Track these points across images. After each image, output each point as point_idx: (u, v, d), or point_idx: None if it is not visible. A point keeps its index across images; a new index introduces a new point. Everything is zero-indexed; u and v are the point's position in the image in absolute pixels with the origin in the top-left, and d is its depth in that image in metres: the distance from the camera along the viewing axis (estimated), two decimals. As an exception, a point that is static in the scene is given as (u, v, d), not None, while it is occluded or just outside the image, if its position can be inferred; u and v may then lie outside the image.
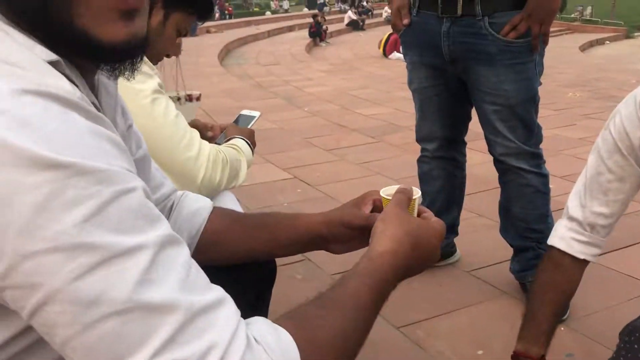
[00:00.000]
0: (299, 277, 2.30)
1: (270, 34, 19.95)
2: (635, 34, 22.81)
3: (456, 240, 2.38)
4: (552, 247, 1.29)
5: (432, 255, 0.82)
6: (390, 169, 3.73)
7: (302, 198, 3.26)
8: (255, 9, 41.08)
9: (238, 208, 1.39)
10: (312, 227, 0.96)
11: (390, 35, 13.09)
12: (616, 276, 2.24)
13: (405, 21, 2.00)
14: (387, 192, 0.93)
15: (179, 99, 2.10)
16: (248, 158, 1.48)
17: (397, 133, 4.74)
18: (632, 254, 2.38)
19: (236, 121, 1.70)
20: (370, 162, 3.94)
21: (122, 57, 0.64)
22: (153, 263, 0.54)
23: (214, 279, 0.62)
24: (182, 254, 0.58)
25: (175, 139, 1.29)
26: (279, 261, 1.23)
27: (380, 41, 13.85)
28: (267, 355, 0.57)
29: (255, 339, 0.58)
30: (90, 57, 0.64)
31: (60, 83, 0.57)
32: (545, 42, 1.86)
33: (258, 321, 0.62)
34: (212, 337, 0.55)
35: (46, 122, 0.52)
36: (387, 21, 21.74)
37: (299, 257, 2.31)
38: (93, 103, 0.67)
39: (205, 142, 1.36)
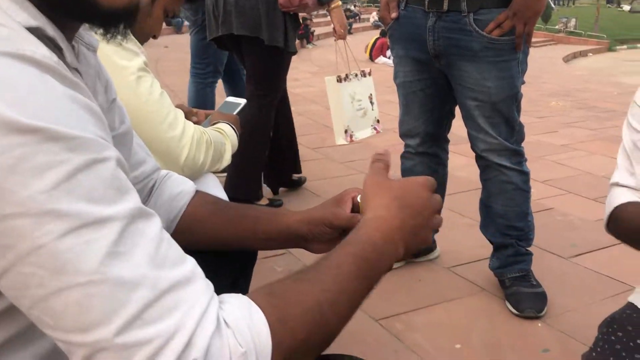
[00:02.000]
0: (279, 269, 2.30)
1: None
2: (618, 47, 23.22)
3: (436, 237, 2.40)
4: (615, 208, 1.17)
5: (424, 206, 0.79)
6: (373, 168, 3.74)
7: (286, 194, 3.26)
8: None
9: (222, 192, 1.39)
10: (292, 225, 0.94)
11: (376, 39, 13.17)
12: (593, 276, 2.28)
13: (394, 15, 2.02)
14: None
15: (356, 75, 2.46)
16: (233, 142, 1.48)
17: (382, 135, 4.76)
18: (609, 254, 2.42)
19: (221, 108, 1.70)
20: (355, 161, 3.96)
21: (118, 21, 0.66)
22: (122, 236, 0.53)
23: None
24: (153, 227, 0.56)
25: (159, 117, 1.29)
26: (260, 253, 1.23)
27: (367, 45, 13.91)
28: (236, 340, 0.55)
29: (225, 322, 0.56)
30: (88, 20, 0.66)
31: (37, 48, 0.56)
32: (528, 42, 1.89)
33: (232, 301, 0.59)
34: (180, 317, 0.53)
35: (21, 85, 0.51)
36: (375, 26, 21.85)
37: (280, 249, 2.31)
38: (76, 69, 0.68)
39: (190, 123, 1.35)
